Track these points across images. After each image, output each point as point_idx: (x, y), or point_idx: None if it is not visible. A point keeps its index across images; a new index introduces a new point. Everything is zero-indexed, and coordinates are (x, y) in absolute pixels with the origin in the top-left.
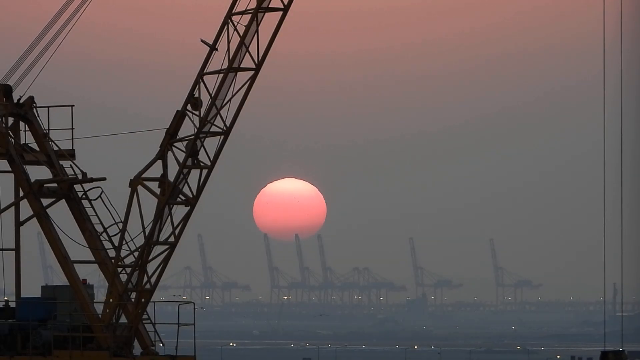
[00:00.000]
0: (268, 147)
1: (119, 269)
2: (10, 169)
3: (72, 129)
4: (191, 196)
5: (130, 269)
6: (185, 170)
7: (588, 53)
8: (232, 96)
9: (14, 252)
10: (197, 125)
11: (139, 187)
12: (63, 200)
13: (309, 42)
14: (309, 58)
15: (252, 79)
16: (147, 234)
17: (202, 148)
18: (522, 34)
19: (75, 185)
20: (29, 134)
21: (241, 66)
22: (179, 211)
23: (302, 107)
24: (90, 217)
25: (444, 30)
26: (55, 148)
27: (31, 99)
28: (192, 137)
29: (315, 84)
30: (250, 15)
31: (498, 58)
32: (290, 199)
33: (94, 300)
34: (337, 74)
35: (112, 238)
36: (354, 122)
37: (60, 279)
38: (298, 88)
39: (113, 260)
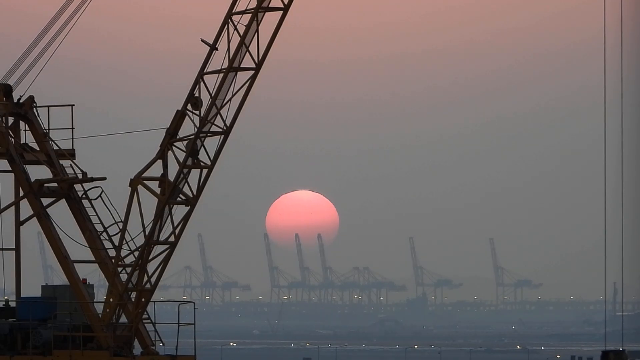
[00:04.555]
0: (287, 157)
1: (119, 269)
2: (10, 169)
3: (72, 128)
4: (191, 196)
5: (130, 268)
6: (185, 170)
7: (589, 54)
8: (232, 96)
9: (14, 251)
10: (197, 125)
11: (139, 187)
12: (63, 200)
13: (306, 46)
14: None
15: (252, 79)
16: (147, 233)
17: (202, 148)
18: (522, 39)
19: (75, 185)
20: (29, 133)
21: (241, 66)
22: (179, 211)
23: (301, 116)
24: (91, 216)
25: (446, 39)
26: (56, 148)
27: (31, 99)
28: (192, 136)
29: (312, 94)
30: (250, 14)
31: (500, 62)
32: (302, 207)
33: (94, 300)
34: (337, 78)
35: (112, 238)
36: (356, 123)
37: (60, 278)
38: (301, 98)
39: (113, 260)
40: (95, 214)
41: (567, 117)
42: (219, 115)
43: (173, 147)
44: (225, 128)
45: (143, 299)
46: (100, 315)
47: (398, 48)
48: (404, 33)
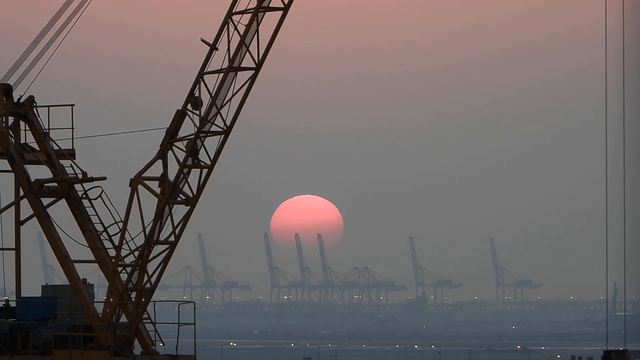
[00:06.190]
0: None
1: (119, 269)
2: (10, 169)
3: (72, 128)
4: (191, 196)
5: (130, 268)
6: (185, 170)
7: (588, 47)
8: (233, 96)
9: (14, 251)
10: (198, 125)
11: (139, 187)
12: (63, 200)
13: (308, 38)
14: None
15: (253, 79)
16: (147, 233)
17: (202, 147)
18: (517, 29)
19: (75, 185)
20: (29, 133)
21: (241, 66)
22: (179, 211)
23: (303, 117)
24: (91, 216)
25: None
26: (56, 147)
27: (31, 99)
28: (193, 136)
29: (312, 96)
30: (250, 14)
31: (495, 53)
32: (305, 209)
33: (94, 300)
34: (334, 76)
35: (112, 237)
36: (355, 121)
37: (60, 278)
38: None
39: (113, 260)
40: (95, 213)
41: (568, 117)
42: (219, 115)
43: (173, 147)
44: (225, 128)
45: (143, 299)
46: (100, 315)
47: (400, 54)
48: (403, 41)
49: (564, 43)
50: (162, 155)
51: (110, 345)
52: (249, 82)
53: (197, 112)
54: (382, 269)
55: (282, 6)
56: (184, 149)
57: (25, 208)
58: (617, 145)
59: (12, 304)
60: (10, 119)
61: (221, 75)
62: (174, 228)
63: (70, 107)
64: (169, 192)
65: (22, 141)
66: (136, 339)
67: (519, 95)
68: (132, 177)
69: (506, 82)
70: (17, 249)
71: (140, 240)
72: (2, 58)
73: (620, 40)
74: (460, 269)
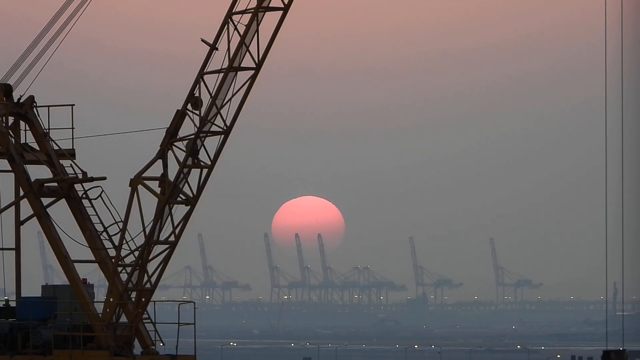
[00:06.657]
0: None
1: (119, 269)
2: (10, 169)
3: (73, 128)
4: (191, 196)
5: (130, 268)
6: (185, 170)
7: (588, 45)
8: (233, 96)
9: (14, 251)
10: (198, 125)
11: (139, 187)
12: (63, 200)
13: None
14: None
15: (253, 79)
16: (147, 233)
17: (202, 147)
18: (518, 24)
19: (75, 185)
20: (29, 133)
21: (241, 66)
22: (179, 210)
23: (303, 117)
24: (91, 216)
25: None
26: (56, 147)
27: (31, 99)
28: (192, 136)
29: (311, 95)
30: (250, 14)
31: (496, 51)
32: (306, 210)
33: (94, 300)
34: (335, 76)
35: (112, 237)
36: (356, 121)
37: (60, 278)
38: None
39: (113, 260)
40: (95, 213)
41: (568, 116)
42: (219, 115)
43: (173, 147)
44: (225, 128)
45: (143, 299)
46: (100, 315)
47: (399, 55)
48: (402, 41)
49: (566, 40)
50: (162, 155)
51: (110, 345)
52: (249, 82)
53: (197, 112)
54: (382, 269)
55: (282, 6)
56: (184, 149)
57: (25, 208)
58: (617, 146)
59: (12, 304)
60: (10, 119)
61: (221, 75)
62: (174, 228)
63: (70, 107)
64: (169, 192)
65: (22, 141)
66: (136, 339)
67: (519, 95)
68: (132, 177)
69: (505, 81)
70: (17, 249)
71: (140, 240)
72: (2, 58)
73: (620, 39)
74: (460, 269)
